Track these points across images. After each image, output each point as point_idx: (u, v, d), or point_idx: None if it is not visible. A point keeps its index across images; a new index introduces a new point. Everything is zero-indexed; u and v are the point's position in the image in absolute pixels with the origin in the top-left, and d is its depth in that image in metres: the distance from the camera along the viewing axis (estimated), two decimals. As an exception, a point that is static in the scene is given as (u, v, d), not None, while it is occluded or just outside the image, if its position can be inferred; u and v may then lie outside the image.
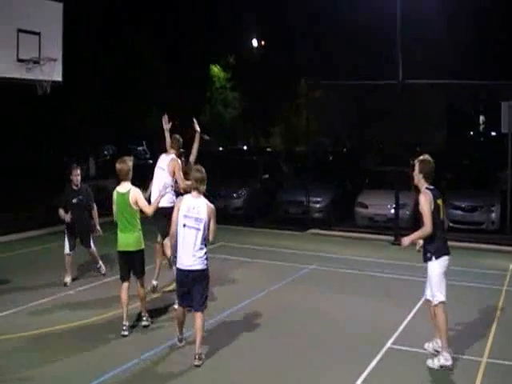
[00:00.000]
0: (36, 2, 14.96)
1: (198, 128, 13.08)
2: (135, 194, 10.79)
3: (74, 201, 13.81)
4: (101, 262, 14.58)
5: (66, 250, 13.94)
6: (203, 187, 9.69)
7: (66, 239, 14.00)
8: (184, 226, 9.53)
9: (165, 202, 11.89)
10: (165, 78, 35.10)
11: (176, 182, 12.47)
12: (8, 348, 10.18)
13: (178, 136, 13.00)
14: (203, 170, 9.80)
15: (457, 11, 33.57)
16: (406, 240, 9.69)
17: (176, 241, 9.72)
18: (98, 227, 14.19)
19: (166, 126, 13.04)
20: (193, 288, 9.60)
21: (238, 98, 43.52)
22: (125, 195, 10.73)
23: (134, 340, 10.55)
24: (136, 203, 10.72)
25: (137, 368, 9.40)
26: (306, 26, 39.79)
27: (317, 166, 25.64)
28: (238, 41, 43.71)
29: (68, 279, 13.83)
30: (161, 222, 12.30)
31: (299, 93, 42.24)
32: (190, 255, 9.51)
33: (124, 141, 37.97)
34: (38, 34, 14.64)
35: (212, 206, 9.68)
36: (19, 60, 14.27)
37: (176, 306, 10.17)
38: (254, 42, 47.42)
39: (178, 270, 9.73)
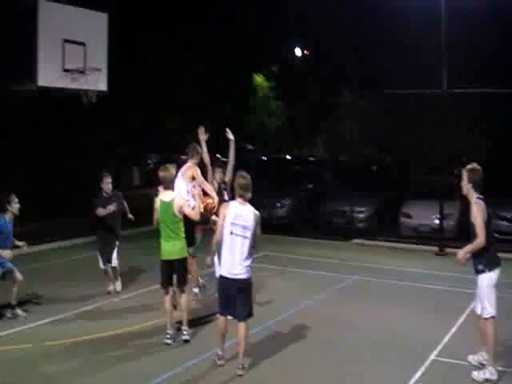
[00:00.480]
0: (81, 13, 15.18)
1: (231, 136, 12.95)
2: (179, 201, 10.80)
3: (110, 207, 13.73)
4: (119, 283, 14.25)
5: (101, 265, 13.93)
6: (249, 194, 9.53)
7: (99, 254, 13.96)
8: (231, 233, 9.35)
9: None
10: (206, 87, 35.17)
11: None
12: (51, 355, 10.31)
13: (193, 144, 12.76)
14: (248, 176, 9.62)
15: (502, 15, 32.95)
16: (461, 254, 9.36)
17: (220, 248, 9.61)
18: (130, 215, 14.29)
19: (203, 136, 12.85)
20: (236, 297, 9.46)
21: (281, 107, 43.45)
22: (169, 204, 10.69)
23: (177, 349, 10.58)
24: (180, 211, 10.71)
25: (179, 377, 9.41)
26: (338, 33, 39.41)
27: (360, 176, 25.53)
28: (281, 50, 43.61)
29: (111, 288, 13.93)
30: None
31: (342, 102, 42.04)
32: (236, 264, 9.36)
33: (167, 150, 38.03)
34: (83, 44, 14.82)
35: (258, 213, 9.53)
36: (65, 70, 14.47)
37: (218, 316, 10.00)
38: (298, 51, 47.33)
39: (222, 278, 9.57)
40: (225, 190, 12.68)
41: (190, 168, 12.44)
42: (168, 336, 10.75)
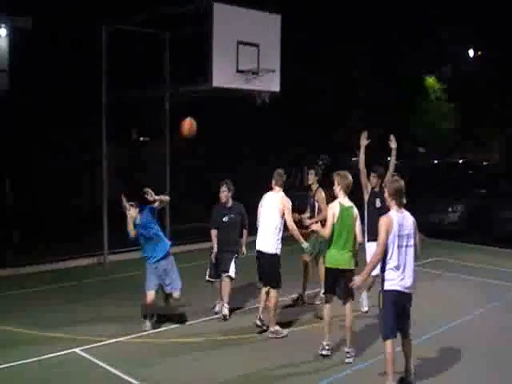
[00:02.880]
0: (255, 15, 15.36)
1: (393, 145, 12.67)
2: (357, 212, 10.38)
3: (225, 219, 12.76)
4: (225, 304, 12.47)
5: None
6: (403, 199, 9.02)
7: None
8: (399, 246, 8.82)
9: (272, 249, 11.23)
10: (375, 91, 34.97)
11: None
12: (219, 348, 10.67)
13: (281, 171, 11.72)
14: (401, 180, 9.14)
15: None
16: None
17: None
18: (244, 249, 12.95)
19: (364, 142, 12.52)
20: (405, 311, 8.99)
21: (453, 109, 42.45)
22: (349, 209, 10.23)
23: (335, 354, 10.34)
24: (356, 219, 10.29)
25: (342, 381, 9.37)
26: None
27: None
28: (454, 51, 42.73)
29: (218, 308, 12.77)
30: (266, 269, 11.45)
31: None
32: (408, 276, 8.85)
33: (337, 151, 38.01)
34: (257, 45, 15.00)
35: (413, 218, 9.08)
36: (238, 71, 14.68)
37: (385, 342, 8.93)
38: (470, 52, 46.16)
39: (396, 292, 8.84)
40: (377, 197, 12.36)
41: (282, 199, 11.42)
42: (327, 347, 10.28)
